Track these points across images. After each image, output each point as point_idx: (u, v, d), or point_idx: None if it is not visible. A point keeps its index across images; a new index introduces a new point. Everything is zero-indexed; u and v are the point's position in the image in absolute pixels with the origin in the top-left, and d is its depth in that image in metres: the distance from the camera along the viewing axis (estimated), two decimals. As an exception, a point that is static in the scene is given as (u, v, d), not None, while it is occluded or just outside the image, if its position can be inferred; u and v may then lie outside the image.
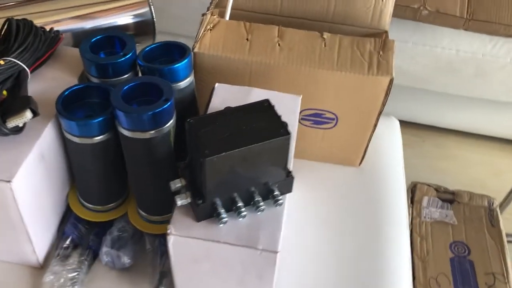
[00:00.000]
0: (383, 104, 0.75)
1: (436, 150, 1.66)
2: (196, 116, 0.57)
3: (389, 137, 0.92)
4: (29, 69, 0.62)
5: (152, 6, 0.81)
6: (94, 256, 0.69)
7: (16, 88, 0.60)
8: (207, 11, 0.71)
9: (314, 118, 0.77)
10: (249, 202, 0.55)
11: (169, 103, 0.57)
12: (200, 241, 0.53)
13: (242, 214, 0.54)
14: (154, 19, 0.82)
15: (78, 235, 0.69)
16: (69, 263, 0.66)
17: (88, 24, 0.78)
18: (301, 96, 0.68)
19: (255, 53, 0.71)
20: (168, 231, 0.53)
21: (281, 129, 0.50)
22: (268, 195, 0.55)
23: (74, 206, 0.69)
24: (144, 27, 0.82)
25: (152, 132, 0.57)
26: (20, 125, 0.56)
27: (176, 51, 0.66)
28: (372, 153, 0.88)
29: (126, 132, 0.58)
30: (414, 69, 1.55)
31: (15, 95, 0.59)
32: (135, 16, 0.81)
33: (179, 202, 0.53)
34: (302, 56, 0.71)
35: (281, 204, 0.55)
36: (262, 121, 0.51)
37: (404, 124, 1.43)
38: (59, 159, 0.64)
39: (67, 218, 0.70)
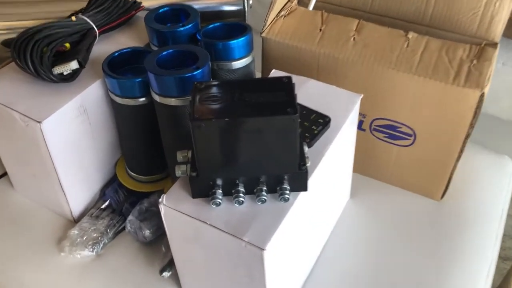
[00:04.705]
0: (472, 126, 0.62)
1: None
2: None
3: (493, 178, 0.76)
4: (98, 29, 0.65)
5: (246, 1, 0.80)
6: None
7: (79, 43, 0.63)
8: (281, -6, 0.66)
9: (388, 130, 0.67)
10: (254, 191, 0.49)
11: (199, 71, 0.54)
12: (188, 218, 0.48)
13: (239, 199, 0.48)
14: (246, 12, 0.80)
15: (116, 200, 0.69)
16: (98, 223, 0.67)
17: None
18: (362, 95, 0.60)
19: (324, 45, 0.64)
20: (160, 200, 0.49)
21: (289, 107, 0.43)
22: (276, 188, 0.48)
23: (119, 173, 0.70)
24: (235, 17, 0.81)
25: (180, 99, 0.55)
26: (65, 73, 0.59)
27: (239, 32, 0.63)
28: (464, 191, 0.73)
29: (156, 97, 0.56)
30: None
31: (75, 49, 0.62)
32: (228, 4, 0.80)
33: (178, 172, 0.49)
34: (377, 54, 0.62)
35: (287, 200, 0.48)
36: (271, 97, 0.45)
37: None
38: (105, 119, 0.65)
39: (111, 183, 0.71)
